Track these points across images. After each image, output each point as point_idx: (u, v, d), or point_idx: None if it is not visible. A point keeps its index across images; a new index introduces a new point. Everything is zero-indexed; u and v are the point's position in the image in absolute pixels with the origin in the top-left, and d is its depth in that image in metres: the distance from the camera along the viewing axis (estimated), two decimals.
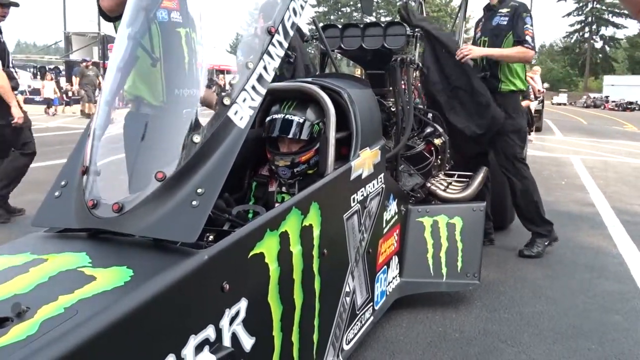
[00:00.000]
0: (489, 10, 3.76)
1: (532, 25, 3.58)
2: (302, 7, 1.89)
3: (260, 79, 1.61)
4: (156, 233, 1.39)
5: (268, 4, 1.95)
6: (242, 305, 1.48)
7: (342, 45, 3.26)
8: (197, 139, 1.45)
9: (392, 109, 3.23)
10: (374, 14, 55.27)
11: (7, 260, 1.35)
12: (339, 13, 60.05)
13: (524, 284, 3.33)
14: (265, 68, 1.64)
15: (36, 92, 24.27)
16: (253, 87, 1.59)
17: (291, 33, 1.78)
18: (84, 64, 18.29)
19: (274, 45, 1.69)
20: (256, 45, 1.69)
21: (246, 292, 1.50)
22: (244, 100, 1.55)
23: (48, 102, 19.29)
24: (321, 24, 3.27)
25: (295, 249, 1.76)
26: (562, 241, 4.19)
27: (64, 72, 28.59)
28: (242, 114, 1.53)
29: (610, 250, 4.04)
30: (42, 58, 37.31)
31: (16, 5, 4.21)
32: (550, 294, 3.17)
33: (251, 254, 1.54)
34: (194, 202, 1.38)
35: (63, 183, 1.60)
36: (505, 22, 3.62)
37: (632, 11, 0.52)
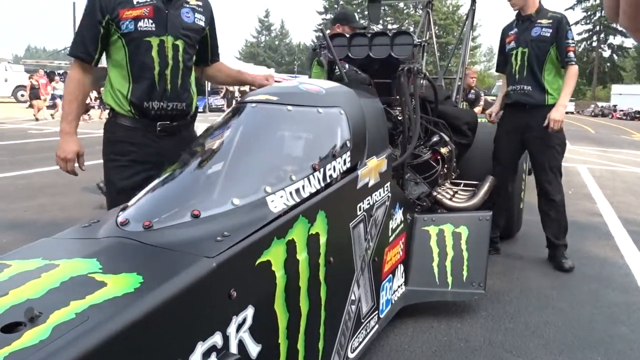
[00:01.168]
0: (526, 20, 3.75)
1: (573, 39, 3.66)
2: (344, 164, 2.16)
3: (297, 191, 1.86)
4: (178, 247, 1.47)
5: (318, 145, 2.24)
6: (249, 312, 1.50)
7: (350, 54, 3.29)
8: (237, 201, 1.67)
9: (398, 117, 3.25)
10: (381, 22, 55.42)
11: (20, 265, 1.37)
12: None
13: (530, 293, 3.32)
14: (303, 187, 1.89)
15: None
16: (290, 193, 1.83)
17: (328, 180, 2.04)
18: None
19: (313, 177, 1.96)
20: (301, 169, 1.97)
21: (253, 300, 1.52)
22: (281, 197, 1.78)
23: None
24: (328, 32, 3.30)
25: (302, 256, 1.78)
26: (569, 251, 4.18)
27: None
28: (276, 204, 1.75)
29: (617, 261, 4.03)
30: (51, 63, 37.62)
31: None
32: (556, 304, 3.16)
33: (258, 261, 1.57)
34: (218, 238, 1.50)
35: (95, 219, 1.74)
36: (548, 34, 3.63)
37: (631, 30, 0.52)
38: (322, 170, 2.02)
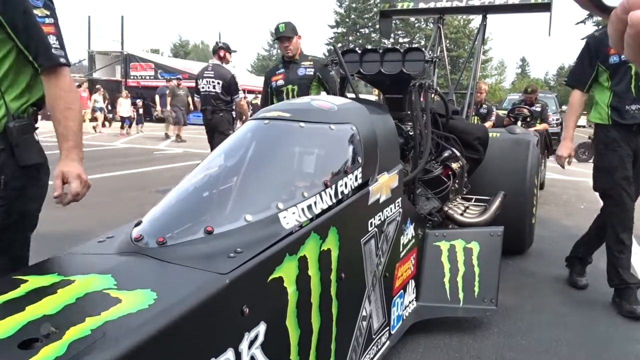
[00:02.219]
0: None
1: None
2: (355, 180, 2.17)
3: (309, 207, 1.88)
4: (191, 263, 1.48)
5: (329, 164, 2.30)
6: (261, 329, 1.51)
7: (361, 70, 3.31)
8: (250, 218, 1.68)
9: (410, 133, 3.26)
10: (392, 36, 55.63)
11: (36, 280, 1.39)
12: (357, 34, 60.54)
13: (542, 310, 3.29)
14: (315, 203, 1.91)
15: None
16: (302, 210, 1.85)
17: (340, 197, 2.05)
18: (174, 82, 16.09)
19: (325, 193, 1.98)
20: (313, 186, 2.01)
21: (265, 316, 1.53)
22: (293, 213, 1.80)
23: (123, 122, 17.80)
24: (339, 45, 3.32)
25: (314, 273, 1.79)
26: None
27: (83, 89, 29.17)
28: (288, 220, 1.77)
29: None
30: None
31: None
32: (569, 321, 3.13)
33: (270, 277, 1.58)
34: (231, 254, 1.53)
35: (110, 234, 1.76)
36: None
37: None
38: (333, 186, 2.03)
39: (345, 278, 1.98)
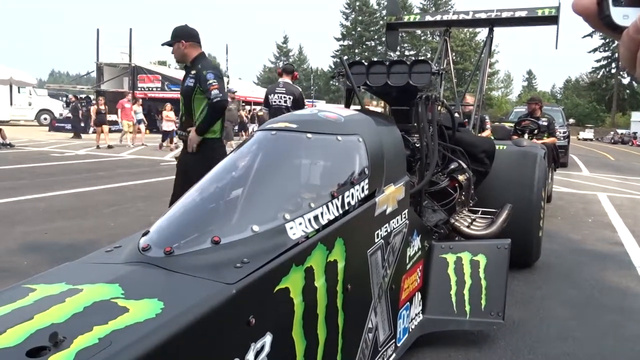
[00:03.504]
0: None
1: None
2: (362, 192, 2.17)
3: (315, 218, 1.88)
4: (198, 273, 1.48)
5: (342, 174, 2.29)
6: (267, 339, 1.50)
7: (368, 82, 3.31)
8: (256, 228, 1.68)
9: (416, 145, 3.26)
10: (398, 48, 55.84)
11: (44, 289, 1.40)
12: (364, 47, 60.84)
13: (550, 324, 3.27)
14: (321, 214, 1.91)
15: (67, 120, 25.05)
16: (309, 220, 1.85)
17: (347, 208, 2.05)
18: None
19: (332, 204, 1.98)
20: (320, 197, 2.01)
21: (271, 327, 1.52)
22: (300, 224, 1.80)
23: (165, 135, 16.51)
24: (346, 58, 3.32)
25: (320, 284, 1.78)
26: (589, 281, 4.14)
27: (94, 102, 29.49)
28: (295, 231, 1.77)
29: (639, 292, 3.94)
30: (74, 88, 38.51)
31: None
32: (577, 335, 3.10)
33: (277, 288, 1.57)
34: (238, 265, 1.53)
35: (118, 244, 1.78)
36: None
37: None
38: (340, 197, 2.03)
39: (352, 289, 1.96)
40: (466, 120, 7.62)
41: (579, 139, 42.13)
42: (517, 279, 4.02)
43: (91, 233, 5.11)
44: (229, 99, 16.35)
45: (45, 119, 26.81)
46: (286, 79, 7.04)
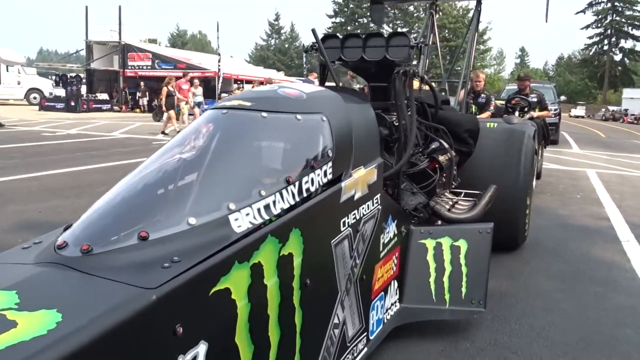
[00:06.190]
0: None
1: None
2: (324, 176, 1.99)
3: (266, 207, 1.69)
4: (116, 276, 1.30)
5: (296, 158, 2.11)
6: (201, 349, 1.34)
7: (343, 56, 3.08)
8: (193, 221, 1.50)
9: (395, 123, 3.03)
10: (390, 25, 55.36)
11: None
12: (356, 24, 60.31)
13: (537, 296, 3.36)
14: (274, 202, 1.72)
15: (57, 99, 24.84)
16: (258, 210, 1.66)
17: (305, 195, 1.87)
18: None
19: (286, 191, 1.79)
20: (273, 183, 1.81)
21: (206, 335, 1.36)
22: (247, 215, 1.61)
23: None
24: (321, 35, 3.01)
25: (271, 281, 1.61)
26: (576, 255, 4.24)
27: (84, 81, 29.22)
28: (240, 223, 1.58)
29: (624, 265, 4.04)
30: (63, 66, 38.05)
31: None
32: (562, 306, 3.20)
33: (214, 290, 1.40)
34: (165, 264, 1.35)
35: (38, 240, 1.58)
36: None
37: None
38: (297, 183, 1.83)
39: (311, 284, 1.80)
40: (483, 98, 7.48)
41: (570, 116, 42.29)
42: (505, 255, 4.08)
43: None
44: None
45: (34, 98, 26.58)
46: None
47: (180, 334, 1.26)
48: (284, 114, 2.04)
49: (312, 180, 1.91)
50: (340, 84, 3.48)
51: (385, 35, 3.00)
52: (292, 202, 1.78)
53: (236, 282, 1.46)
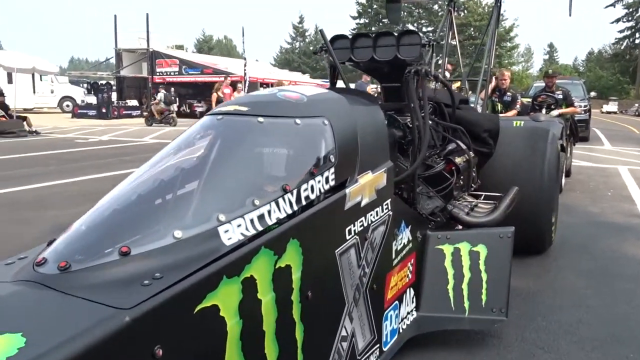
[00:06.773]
0: None
1: None
2: (326, 183, 1.89)
3: (260, 218, 1.60)
4: (91, 295, 1.23)
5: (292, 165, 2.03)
6: None
7: (353, 57, 3.00)
8: (179, 234, 1.41)
9: (408, 125, 2.89)
10: (415, 25, 55.00)
11: None
12: (380, 24, 60.11)
13: (564, 293, 3.36)
14: (269, 212, 1.63)
15: (89, 106, 25.45)
16: (251, 221, 1.57)
17: (304, 203, 1.77)
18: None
19: (283, 200, 1.70)
20: (269, 191, 1.73)
21: (191, 355, 1.30)
22: (239, 226, 1.53)
23: None
24: (331, 35, 2.98)
25: (266, 296, 1.53)
26: (607, 252, 4.21)
27: (114, 88, 29.89)
28: (231, 235, 1.50)
29: None
30: (94, 74, 38.94)
31: None
32: (591, 303, 3.19)
33: (199, 307, 1.32)
34: (146, 282, 1.27)
35: (22, 256, 1.54)
36: None
37: None
38: (295, 191, 1.74)
39: (314, 297, 1.72)
40: (509, 96, 7.39)
41: (602, 112, 41.33)
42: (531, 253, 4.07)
43: None
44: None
45: (67, 105, 27.34)
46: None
47: (159, 356, 1.19)
48: (282, 118, 1.97)
49: (312, 187, 1.81)
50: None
51: (396, 34, 2.93)
52: (290, 211, 1.69)
53: (225, 299, 1.39)
